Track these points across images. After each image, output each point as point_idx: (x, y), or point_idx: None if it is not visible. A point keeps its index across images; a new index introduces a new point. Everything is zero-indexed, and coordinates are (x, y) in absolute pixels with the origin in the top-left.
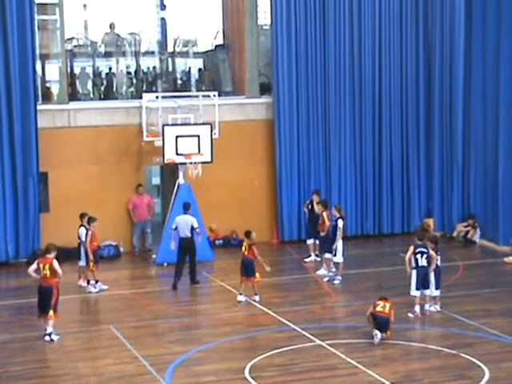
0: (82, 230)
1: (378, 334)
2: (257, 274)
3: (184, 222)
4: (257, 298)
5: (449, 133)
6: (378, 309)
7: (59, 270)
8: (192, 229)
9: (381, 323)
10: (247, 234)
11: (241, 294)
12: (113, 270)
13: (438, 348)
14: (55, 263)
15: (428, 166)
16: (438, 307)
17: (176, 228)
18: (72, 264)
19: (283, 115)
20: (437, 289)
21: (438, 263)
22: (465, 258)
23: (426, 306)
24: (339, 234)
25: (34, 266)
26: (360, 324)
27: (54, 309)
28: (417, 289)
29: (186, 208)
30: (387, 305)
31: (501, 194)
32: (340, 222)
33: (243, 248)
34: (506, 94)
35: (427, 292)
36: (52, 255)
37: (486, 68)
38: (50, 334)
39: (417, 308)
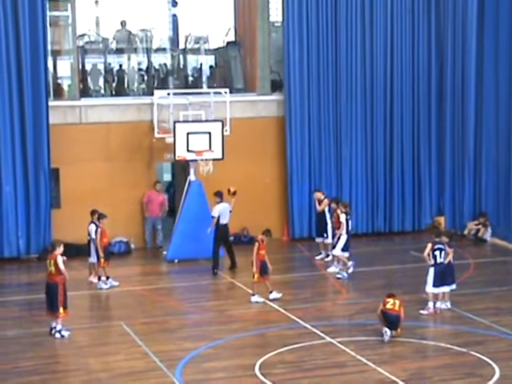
0: (92, 227)
1: (387, 332)
2: (255, 275)
3: (224, 210)
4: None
5: (460, 130)
6: (388, 306)
7: (61, 267)
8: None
9: (391, 321)
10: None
11: (271, 292)
12: (123, 266)
13: (448, 346)
14: (59, 259)
15: (439, 163)
16: (448, 304)
17: (219, 216)
18: (83, 260)
19: (294, 112)
20: (450, 284)
21: (451, 259)
22: (476, 256)
23: (438, 304)
24: (341, 228)
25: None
26: (370, 321)
27: (63, 306)
28: (434, 286)
29: (221, 196)
30: (397, 302)
31: None
32: (342, 217)
33: None
34: None
35: (443, 289)
36: (57, 251)
37: (499, 65)
38: (59, 331)
39: (430, 304)
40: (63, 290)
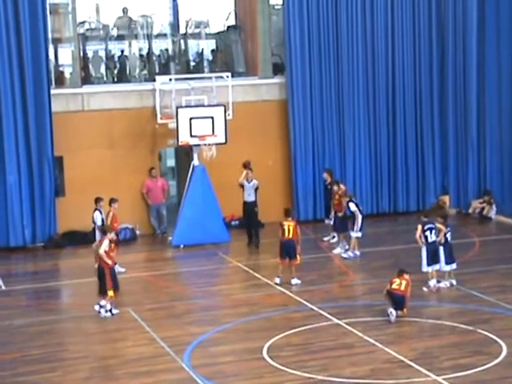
0: (97, 215)
1: (393, 312)
2: (297, 257)
3: (249, 186)
4: (293, 281)
5: (463, 108)
6: (394, 286)
7: (101, 251)
8: (256, 191)
9: (396, 301)
10: (288, 212)
11: (278, 277)
12: (129, 252)
13: (454, 324)
14: (103, 244)
15: (443, 142)
16: (453, 282)
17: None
18: (89, 248)
19: (296, 95)
20: (450, 263)
21: (449, 238)
22: (480, 234)
23: (442, 284)
24: (356, 216)
25: (96, 243)
26: (377, 302)
27: (112, 289)
28: (428, 265)
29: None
30: (403, 282)
31: None
32: (353, 206)
33: (285, 230)
34: None
35: (437, 267)
36: (106, 236)
37: (500, 44)
38: (110, 310)
39: (431, 282)
40: (110, 273)
